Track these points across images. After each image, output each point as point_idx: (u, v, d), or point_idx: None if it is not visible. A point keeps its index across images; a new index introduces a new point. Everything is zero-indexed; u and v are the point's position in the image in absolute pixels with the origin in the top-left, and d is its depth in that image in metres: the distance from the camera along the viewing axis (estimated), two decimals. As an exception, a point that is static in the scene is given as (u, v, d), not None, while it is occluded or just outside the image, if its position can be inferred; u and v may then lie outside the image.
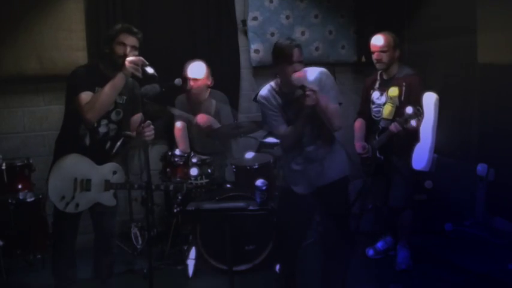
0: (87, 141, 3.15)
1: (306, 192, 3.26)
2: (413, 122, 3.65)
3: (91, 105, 2.99)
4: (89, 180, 3.15)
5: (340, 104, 3.22)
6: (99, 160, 3.21)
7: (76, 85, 3.03)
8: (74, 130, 3.13)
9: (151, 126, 3.18)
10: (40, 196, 4.10)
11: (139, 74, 3.07)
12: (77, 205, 3.12)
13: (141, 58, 3.08)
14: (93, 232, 3.39)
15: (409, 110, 3.64)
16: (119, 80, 3.03)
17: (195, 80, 4.38)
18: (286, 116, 3.21)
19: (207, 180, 3.82)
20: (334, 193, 3.26)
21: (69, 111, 3.14)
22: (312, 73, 3.16)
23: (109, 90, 3.02)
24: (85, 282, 3.44)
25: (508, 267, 3.85)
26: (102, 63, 3.16)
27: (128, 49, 3.09)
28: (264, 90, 3.28)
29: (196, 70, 4.40)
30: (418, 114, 3.63)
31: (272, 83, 3.28)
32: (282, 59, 3.11)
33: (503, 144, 4.32)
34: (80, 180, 3.12)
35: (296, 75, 3.07)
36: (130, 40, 3.11)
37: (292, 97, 3.15)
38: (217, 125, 4.43)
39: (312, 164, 3.23)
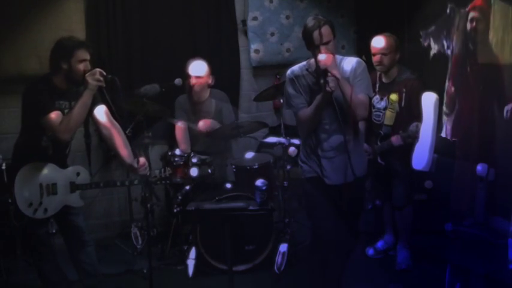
0: (50, 151, 3.19)
1: (332, 183, 3.16)
2: (416, 139, 3.70)
3: (65, 126, 3.05)
4: (54, 184, 3.19)
5: (370, 97, 3.18)
6: (61, 164, 3.25)
7: (39, 105, 3.05)
8: (35, 142, 3.16)
9: (146, 165, 3.27)
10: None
11: (103, 84, 3.11)
12: (46, 210, 3.16)
13: (98, 70, 3.11)
14: (61, 235, 3.37)
15: (413, 127, 3.66)
16: (87, 98, 3.09)
17: (197, 77, 4.38)
18: (311, 98, 3.13)
19: (170, 172, 3.82)
20: (357, 190, 3.23)
21: (30, 126, 3.17)
22: (348, 63, 3.12)
23: (80, 109, 3.08)
24: (79, 284, 3.43)
25: (508, 267, 3.84)
26: (56, 78, 3.15)
27: (88, 65, 3.12)
28: (296, 67, 3.20)
29: (198, 68, 4.40)
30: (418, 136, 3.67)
31: (305, 62, 3.20)
32: (306, 42, 3.05)
33: (503, 144, 4.31)
34: (46, 185, 3.16)
35: (322, 60, 2.95)
36: (88, 55, 3.14)
37: (318, 81, 3.08)
38: (217, 126, 4.44)
39: (342, 154, 3.13)
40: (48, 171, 3.18)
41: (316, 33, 2.97)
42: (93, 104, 3.23)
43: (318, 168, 3.18)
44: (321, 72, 3.00)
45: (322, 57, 2.97)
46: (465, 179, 4.16)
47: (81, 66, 3.10)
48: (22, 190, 3.12)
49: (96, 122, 3.30)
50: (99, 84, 3.09)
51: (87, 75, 3.08)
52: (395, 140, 3.79)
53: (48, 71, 3.21)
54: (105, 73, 3.11)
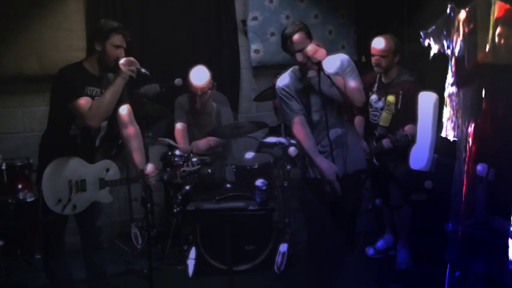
0: (78, 140, 3.13)
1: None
2: (403, 144, 3.69)
3: (93, 112, 2.97)
4: (83, 181, 3.14)
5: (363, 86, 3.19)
6: (90, 157, 3.19)
7: (69, 90, 2.99)
8: (64, 131, 3.10)
9: (156, 173, 3.23)
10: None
11: (135, 76, 3.06)
12: (74, 207, 3.12)
13: (133, 59, 3.06)
14: (79, 232, 3.34)
15: (400, 133, 3.66)
16: (118, 86, 3.03)
17: (202, 88, 4.35)
18: (303, 101, 3.14)
19: (198, 167, 3.75)
20: (356, 183, 3.23)
21: (59, 113, 3.10)
22: (334, 59, 3.11)
23: (110, 97, 3.01)
24: (83, 283, 3.44)
25: (508, 267, 3.84)
26: (88, 61, 3.09)
27: (122, 52, 3.06)
28: (285, 77, 3.20)
29: (201, 76, 4.35)
30: (407, 141, 3.64)
31: (291, 68, 3.21)
32: (286, 49, 3.09)
33: (503, 144, 4.31)
34: (75, 181, 3.11)
35: (314, 54, 2.95)
36: (124, 43, 3.08)
37: (307, 82, 3.11)
38: (214, 142, 4.47)
39: (340, 148, 3.14)
40: (77, 167, 3.12)
41: (289, 42, 3.03)
42: (120, 101, 3.17)
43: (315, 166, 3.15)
44: (310, 66, 3.04)
45: (312, 51, 2.95)
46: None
47: (115, 52, 3.03)
48: (50, 186, 3.05)
49: (119, 120, 3.23)
50: (132, 74, 3.03)
51: (121, 62, 3.01)
52: (385, 142, 3.80)
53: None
54: (139, 65, 3.06)
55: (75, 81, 3.00)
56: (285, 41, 3.04)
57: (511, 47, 3.41)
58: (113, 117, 3.22)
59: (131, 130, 3.24)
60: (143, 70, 3.07)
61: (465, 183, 3.57)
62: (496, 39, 3.28)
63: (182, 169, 3.56)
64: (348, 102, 3.10)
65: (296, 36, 3.00)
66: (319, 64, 2.96)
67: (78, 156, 3.14)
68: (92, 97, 3.05)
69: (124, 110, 3.23)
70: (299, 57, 3.03)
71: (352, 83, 3.05)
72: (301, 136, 3.13)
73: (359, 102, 3.09)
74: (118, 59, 3.03)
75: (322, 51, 2.96)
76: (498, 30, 3.22)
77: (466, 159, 3.55)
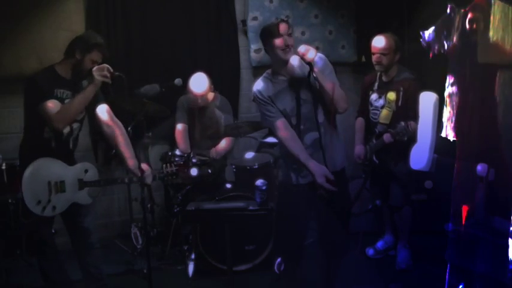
0: (53, 143, 3.17)
1: (307, 182, 3.07)
2: (404, 137, 3.67)
3: (62, 116, 3.04)
4: (62, 182, 3.16)
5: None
6: (67, 159, 3.24)
7: (38, 93, 3.05)
8: (38, 134, 3.15)
9: (149, 172, 3.28)
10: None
11: (109, 80, 3.11)
12: (54, 208, 3.13)
13: (105, 65, 3.11)
14: (68, 234, 3.35)
15: (400, 125, 3.64)
16: (90, 92, 3.10)
17: (202, 95, 4.37)
18: (283, 104, 3.07)
19: (176, 168, 3.65)
20: (340, 182, 3.18)
21: (31, 116, 3.15)
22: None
23: (80, 102, 3.09)
24: (83, 284, 3.43)
25: (508, 267, 3.84)
26: (61, 65, 3.16)
27: (95, 67, 3.12)
28: (259, 83, 3.14)
29: (199, 84, 4.36)
30: (407, 133, 3.63)
31: (265, 74, 3.17)
32: (269, 36, 3.00)
33: (503, 144, 4.31)
34: (54, 182, 3.13)
35: (305, 53, 2.89)
36: (100, 59, 3.15)
37: (285, 84, 3.07)
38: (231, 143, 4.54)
39: (318, 150, 3.05)
40: (56, 169, 3.16)
41: (282, 25, 2.96)
42: (96, 102, 3.22)
43: (295, 172, 3.11)
44: (285, 62, 3.01)
45: (303, 52, 2.90)
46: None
47: (90, 65, 3.11)
48: (30, 188, 3.07)
49: (98, 120, 3.28)
50: (104, 80, 3.09)
51: (94, 69, 3.08)
52: (386, 137, 3.79)
53: None
54: (112, 70, 3.11)
55: (44, 84, 3.07)
56: (269, 28, 2.99)
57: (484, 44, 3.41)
58: (83, 119, 3.29)
59: (114, 127, 3.28)
60: (117, 73, 3.12)
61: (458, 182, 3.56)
62: (467, 26, 3.28)
63: (160, 170, 3.56)
64: (331, 106, 3.00)
65: (282, 25, 2.97)
66: (310, 64, 2.91)
67: (54, 158, 3.18)
68: (62, 99, 3.11)
69: (102, 109, 3.27)
70: (279, 41, 2.95)
71: (340, 89, 3.02)
72: (288, 139, 3.03)
73: (342, 108, 3.03)
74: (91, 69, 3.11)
75: (312, 51, 2.92)
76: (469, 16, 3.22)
77: (466, 159, 3.53)
